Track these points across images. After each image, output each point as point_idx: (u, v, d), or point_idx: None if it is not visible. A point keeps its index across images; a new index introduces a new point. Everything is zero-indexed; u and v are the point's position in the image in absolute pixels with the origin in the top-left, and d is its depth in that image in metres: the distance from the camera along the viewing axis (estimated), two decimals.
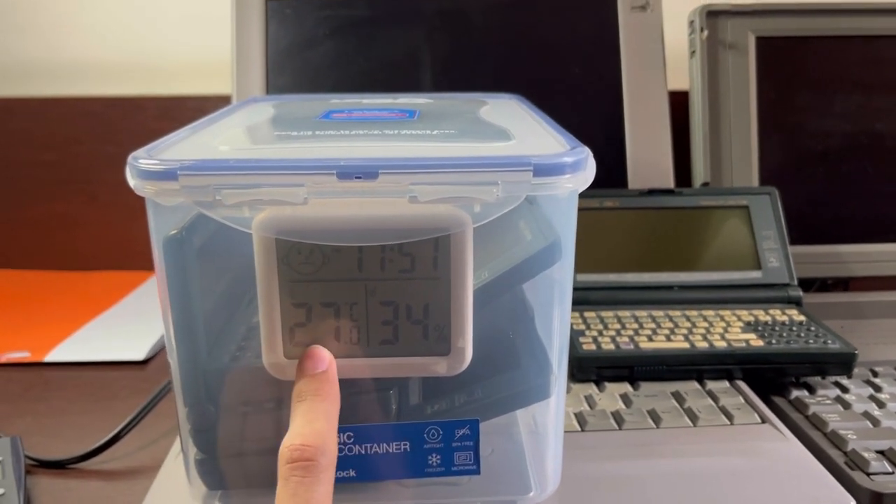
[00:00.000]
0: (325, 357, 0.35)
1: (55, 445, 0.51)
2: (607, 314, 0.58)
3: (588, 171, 0.34)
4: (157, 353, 0.67)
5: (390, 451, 0.37)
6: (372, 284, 0.35)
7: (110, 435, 0.50)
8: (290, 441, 0.31)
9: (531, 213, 0.40)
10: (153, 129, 0.89)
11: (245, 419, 0.38)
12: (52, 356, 0.65)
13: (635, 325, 0.56)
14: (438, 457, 0.37)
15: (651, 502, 0.40)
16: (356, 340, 0.35)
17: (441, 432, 0.37)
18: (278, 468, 0.31)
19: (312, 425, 0.32)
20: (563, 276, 0.37)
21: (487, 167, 0.32)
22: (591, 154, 0.34)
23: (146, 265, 0.90)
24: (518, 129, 0.41)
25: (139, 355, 0.65)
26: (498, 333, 0.39)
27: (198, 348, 0.37)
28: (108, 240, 0.89)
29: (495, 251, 0.38)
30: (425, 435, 0.37)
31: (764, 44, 0.67)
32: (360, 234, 0.33)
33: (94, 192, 0.89)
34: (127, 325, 0.72)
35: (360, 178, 0.32)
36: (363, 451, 0.36)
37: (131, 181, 0.33)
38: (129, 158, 0.33)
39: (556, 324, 0.38)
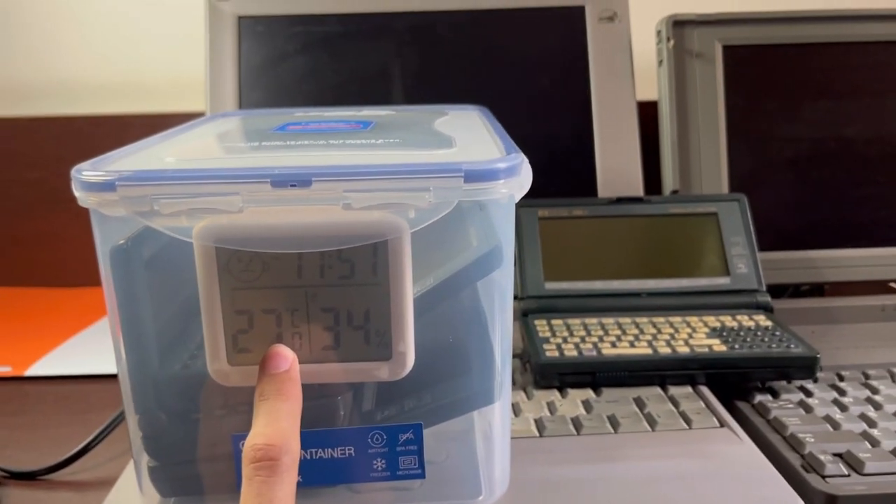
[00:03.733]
0: (287, 356, 0.35)
1: (28, 457, 0.52)
2: (574, 322, 0.58)
3: (524, 177, 0.35)
4: None
5: (335, 456, 0.37)
6: (312, 291, 0.35)
7: (80, 447, 0.51)
8: (253, 441, 0.32)
9: (481, 219, 0.40)
10: None
11: (196, 426, 0.39)
12: (32, 370, 0.66)
13: (600, 332, 0.56)
14: (383, 461, 0.37)
15: None
16: (298, 347, 0.36)
17: (385, 437, 0.37)
18: (242, 468, 0.31)
19: (275, 425, 0.32)
20: (503, 281, 0.38)
21: (418, 174, 0.32)
22: (526, 160, 0.35)
23: None
24: (464, 138, 0.42)
25: None
26: (446, 339, 0.40)
27: (147, 357, 0.38)
28: (92, 257, 0.89)
29: (445, 257, 0.39)
30: (369, 440, 0.37)
31: (730, 52, 0.68)
32: (299, 242, 0.34)
33: (79, 209, 0.89)
34: (109, 341, 0.72)
35: (294, 185, 0.32)
36: (309, 457, 0.37)
37: (76, 193, 0.34)
38: (73, 171, 0.34)
39: (497, 329, 0.38)
